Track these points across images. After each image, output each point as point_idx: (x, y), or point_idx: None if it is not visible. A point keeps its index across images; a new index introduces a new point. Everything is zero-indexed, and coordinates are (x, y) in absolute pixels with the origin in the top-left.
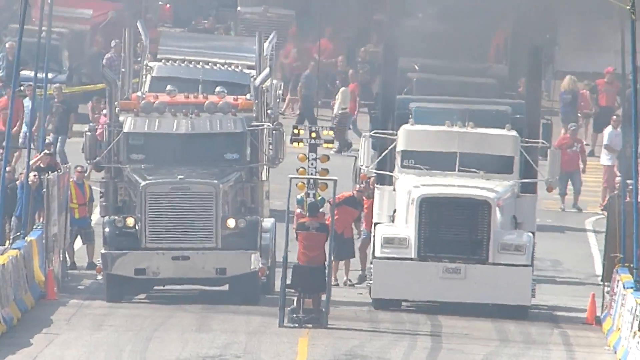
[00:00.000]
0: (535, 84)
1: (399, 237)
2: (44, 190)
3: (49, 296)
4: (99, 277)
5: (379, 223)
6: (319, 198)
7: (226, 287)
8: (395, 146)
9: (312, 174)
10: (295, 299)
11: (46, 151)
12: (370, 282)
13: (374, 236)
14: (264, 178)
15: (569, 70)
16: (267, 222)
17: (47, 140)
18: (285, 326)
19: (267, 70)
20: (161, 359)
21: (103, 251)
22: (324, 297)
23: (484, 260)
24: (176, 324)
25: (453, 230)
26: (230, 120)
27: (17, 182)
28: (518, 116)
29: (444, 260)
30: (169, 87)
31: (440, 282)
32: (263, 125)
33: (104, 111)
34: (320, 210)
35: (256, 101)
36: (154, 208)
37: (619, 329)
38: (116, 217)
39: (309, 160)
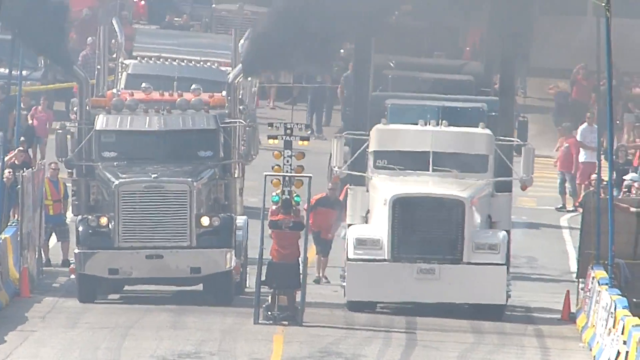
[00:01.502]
0: (509, 81)
1: (372, 238)
2: (19, 187)
3: (24, 294)
4: (72, 276)
5: (352, 224)
6: (295, 196)
7: (200, 286)
8: (367, 146)
9: (287, 171)
10: (270, 296)
11: (20, 148)
12: (344, 283)
13: (347, 238)
14: (237, 175)
15: (544, 67)
16: (240, 220)
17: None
18: (260, 323)
19: (240, 66)
20: (136, 356)
21: (76, 251)
22: (299, 295)
23: (459, 260)
24: (151, 321)
25: (427, 230)
26: (202, 117)
27: None
28: (493, 113)
29: (418, 260)
30: (144, 85)
31: (415, 283)
32: (236, 122)
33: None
34: (296, 207)
35: (229, 97)
36: (127, 207)
37: (594, 325)
38: (89, 217)
39: (284, 158)
